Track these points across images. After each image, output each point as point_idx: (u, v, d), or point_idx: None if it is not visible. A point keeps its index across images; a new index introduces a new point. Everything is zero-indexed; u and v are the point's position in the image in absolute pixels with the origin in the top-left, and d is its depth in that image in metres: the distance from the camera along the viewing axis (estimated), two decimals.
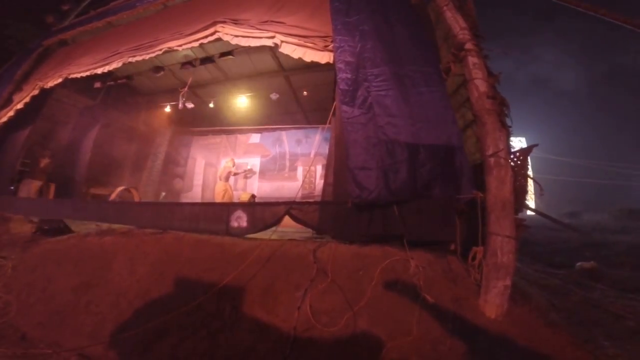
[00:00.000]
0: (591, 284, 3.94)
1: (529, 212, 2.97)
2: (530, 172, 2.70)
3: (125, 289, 3.04)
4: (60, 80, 6.45)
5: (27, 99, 6.74)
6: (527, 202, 2.68)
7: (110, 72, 6.48)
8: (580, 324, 2.44)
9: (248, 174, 8.78)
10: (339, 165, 3.48)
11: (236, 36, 4.51)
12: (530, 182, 2.77)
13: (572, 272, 4.64)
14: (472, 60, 2.77)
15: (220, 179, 8.00)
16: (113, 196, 7.05)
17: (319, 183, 8.89)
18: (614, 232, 13.21)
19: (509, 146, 2.44)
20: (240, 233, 3.54)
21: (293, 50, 4.04)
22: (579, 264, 4.86)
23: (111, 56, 5.80)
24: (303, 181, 8.77)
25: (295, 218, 3.34)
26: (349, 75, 3.22)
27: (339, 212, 3.12)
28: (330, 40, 3.66)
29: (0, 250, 4.24)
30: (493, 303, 2.14)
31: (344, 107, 3.10)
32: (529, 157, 2.69)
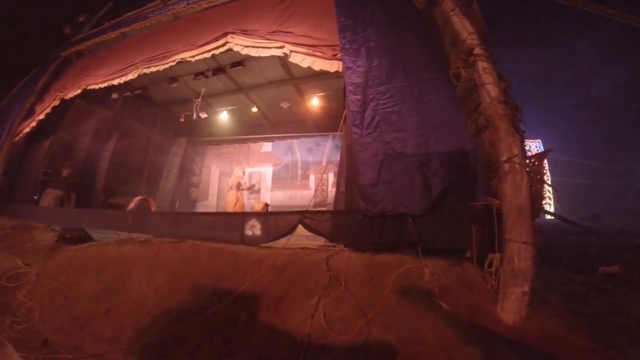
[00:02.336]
0: (614, 289, 3.79)
1: (548, 217, 2.90)
2: (547, 177, 2.65)
3: (144, 297, 3.11)
4: (79, 91, 6.70)
5: (48, 110, 7.02)
6: (544, 206, 2.63)
7: (126, 83, 6.69)
8: (602, 330, 2.35)
9: (252, 189, 8.84)
10: (350, 174, 3.50)
11: (246, 46, 4.62)
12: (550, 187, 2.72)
13: (594, 277, 4.48)
14: (481, 65, 2.76)
15: (232, 188, 8.08)
16: (131, 206, 7.22)
17: (331, 191, 8.88)
18: (637, 235, 12.67)
19: (523, 151, 2.41)
20: (255, 242, 3.59)
21: (302, 59, 4.11)
22: (601, 268, 4.68)
23: (127, 67, 6.00)
24: (315, 189, 8.77)
25: (308, 227, 3.37)
26: (358, 97, 3.30)
27: (352, 220, 3.14)
28: (339, 48, 3.72)
29: (25, 257, 4.38)
30: (510, 310, 2.11)
31: (354, 129, 3.20)
32: (545, 162, 2.64)
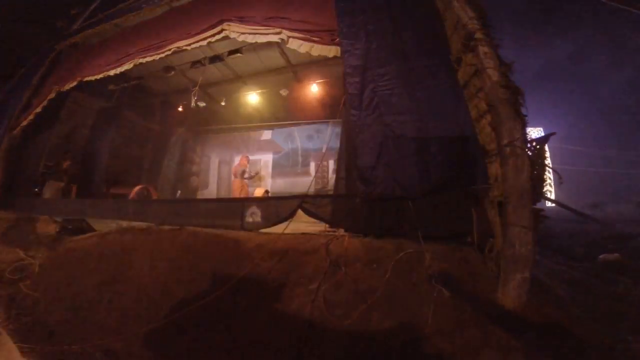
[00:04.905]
0: (615, 277, 3.81)
1: (548, 204, 2.90)
2: (549, 163, 2.62)
3: (146, 285, 3.13)
4: (75, 83, 6.64)
5: (45, 103, 6.96)
6: (545, 192, 2.61)
7: (123, 74, 6.62)
8: (602, 318, 2.36)
9: (254, 177, 8.83)
10: (350, 159, 3.49)
11: (243, 33, 4.54)
12: (549, 172, 2.69)
13: (594, 265, 4.49)
14: (482, 49, 2.71)
15: (236, 177, 8.10)
16: (132, 195, 7.25)
17: (332, 178, 8.89)
18: (638, 223, 12.65)
19: (525, 135, 2.38)
20: (255, 227, 3.61)
21: (300, 45, 4.04)
22: (602, 256, 4.69)
23: (122, 58, 5.93)
24: (315, 176, 8.76)
25: (308, 212, 3.37)
26: (356, 79, 3.27)
27: (352, 205, 3.14)
28: (337, 33, 3.67)
29: (28, 249, 4.41)
30: (511, 295, 2.11)
31: (353, 111, 3.17)
32: (546, 147, 2.61)
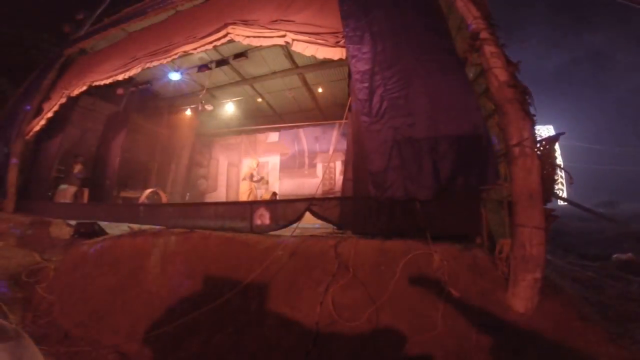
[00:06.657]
0: (628, 277, 3.73)
1: (561, 202, 2.85)
2: (560, 161, 2.58)
3: (157, 288, 3.18)
4: (84, 87, 6.76)
5: (56, 107, 7.09)
6: (557, 191, 2.57)
7: (131, 78, 6.72)
8: (615, 318, 2.32)
9: (261, 181, 8.89)
10: (358, 161, 3.48)
11: (247, 37, 4.57)
12: (561, 171, 2.65)
13: (607, 265, 4.41)
14: (489, 49, 2.67)
15: (245, 179, 8.15)
16: (142, 198, 7.35)
17: (339, 179, 8.89)
18: None
19: (534, 135, 2.35)
20: (264, 230, 3.63)
21: (305, 48, 4.05)
22: (615, 255, 4.61)
23: (130, 62, 6.02)
24: (323, 177, 8.77)
25: (315, 214, 3.37)
26: (365, 85, 3.25)
27: (360, 207, 3.14)
28: (342, 35, 3.66)
29: (43, 252, 4.52)
30: (522, 297, 2.08)
31: (363, 117, 3.16)
32: (556, 146, 2.57)
